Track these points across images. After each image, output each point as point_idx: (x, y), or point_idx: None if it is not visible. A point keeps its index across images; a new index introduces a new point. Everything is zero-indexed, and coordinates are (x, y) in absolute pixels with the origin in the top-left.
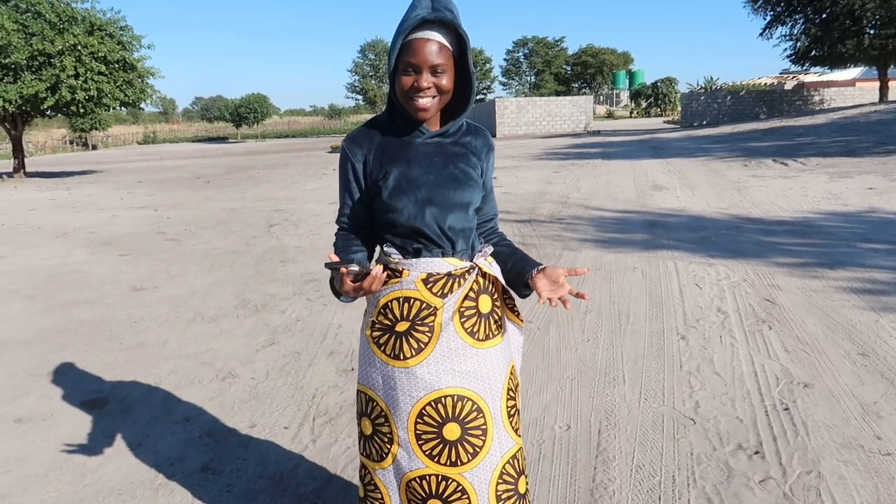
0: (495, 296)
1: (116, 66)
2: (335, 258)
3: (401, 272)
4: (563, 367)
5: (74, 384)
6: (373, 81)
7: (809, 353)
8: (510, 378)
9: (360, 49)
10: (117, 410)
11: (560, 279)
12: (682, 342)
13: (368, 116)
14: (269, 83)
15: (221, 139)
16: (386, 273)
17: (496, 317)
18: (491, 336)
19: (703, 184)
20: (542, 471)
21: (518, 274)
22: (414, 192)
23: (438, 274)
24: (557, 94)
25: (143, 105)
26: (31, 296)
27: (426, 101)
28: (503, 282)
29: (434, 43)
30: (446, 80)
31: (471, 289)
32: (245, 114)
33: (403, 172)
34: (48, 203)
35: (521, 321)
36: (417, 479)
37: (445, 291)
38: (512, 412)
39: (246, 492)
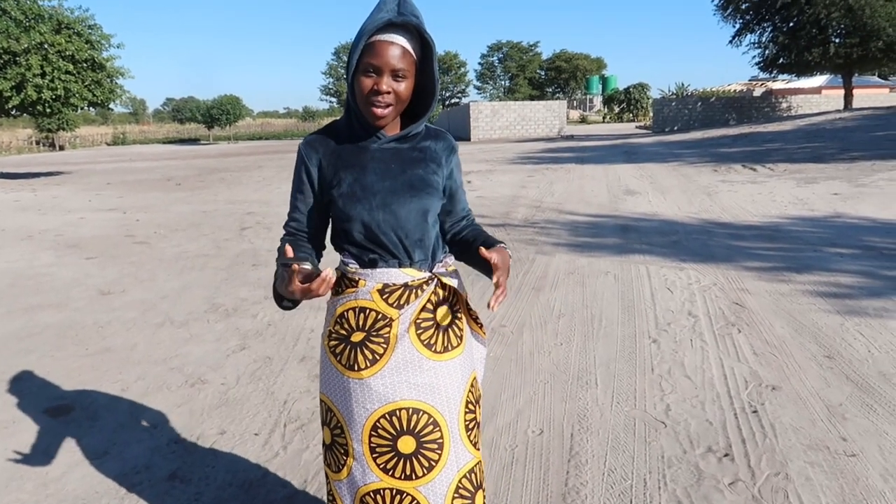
0: (457, 307)
1: (84, 65)
2: (291, 252)
3: (357, 281)
4: (536, 372)
5: (38, 391)
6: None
7: (777, 356)
8: (470, 390)
9: (334, 51)
10: (82, 417)
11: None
12: (653, 346)
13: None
14: (243, 84)
15: (193, 141)
16: (335, 278)
17: (456, 329)
18: (450, 348)
19: (675, 188)
20: (515, 475)
21: (478, 244)
22: (368, 199)
23: (395, 285)
24: (532, 98)
25: (112, 106)
26: None
27: (383, 111)
28: (464, 294)
29: (397, 46)
30: (406, 87)
31: (428, 300)
32: (217, 115)
33: (358, 179)
34: (13, 205)
35: (484, 333)
36: (371, 494)
37: (402, 302)
38: (470, 426)
39: (214, 500)
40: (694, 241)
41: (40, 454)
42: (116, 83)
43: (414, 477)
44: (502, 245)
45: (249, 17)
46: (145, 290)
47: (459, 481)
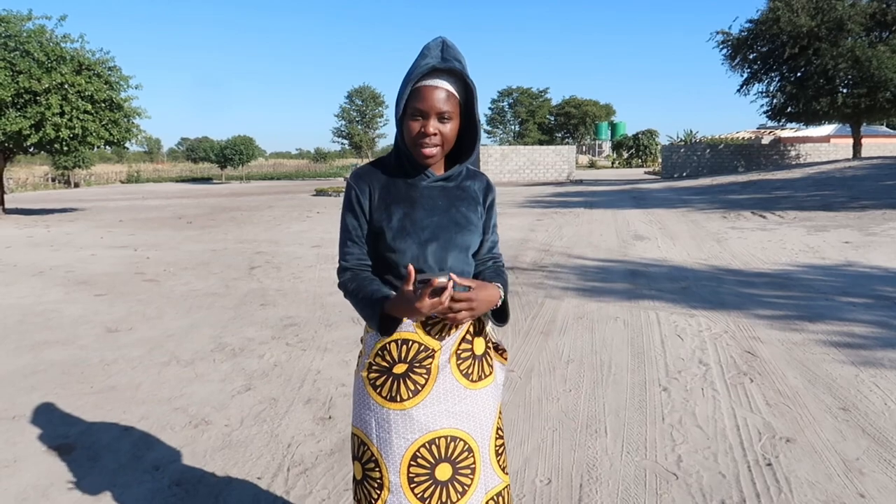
0: (487, 338)
1: (103, 105)
2: (414, 272)
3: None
4: (544, 418)
5: (41, 429)
6: (359, 126)
7: (791, 407)
8: (500, 416)
9: (347, 94)
10: (84, 457)
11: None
12: (664, 394)
13: (353, 161)
14: (256, 125)
15: (206, 180)
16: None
17: (489, 358)
18: (483, 377)
19: (684, 234)
20: None
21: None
22: (417, 233)
23: (437, 317)
24: (541, 143)
25: (128, 144)
26: (0, 336)
27: (432, 150)
28: (490, 321)
29: (442, 90)
30: (451, 128)
31: (467, 331)
32: (230, 155)
33: (407, 213)
34: (25, 241)
35: (505, 359)
36: None
37: (444, 334)
38: (500, 450)
39: None
40: (704, 287)
41: (39, 496)
42: (133, 122)
43: (448, 503)
44: (498, 285)
45: (264, 59)
46: (152, 328)
47: (486, 503)
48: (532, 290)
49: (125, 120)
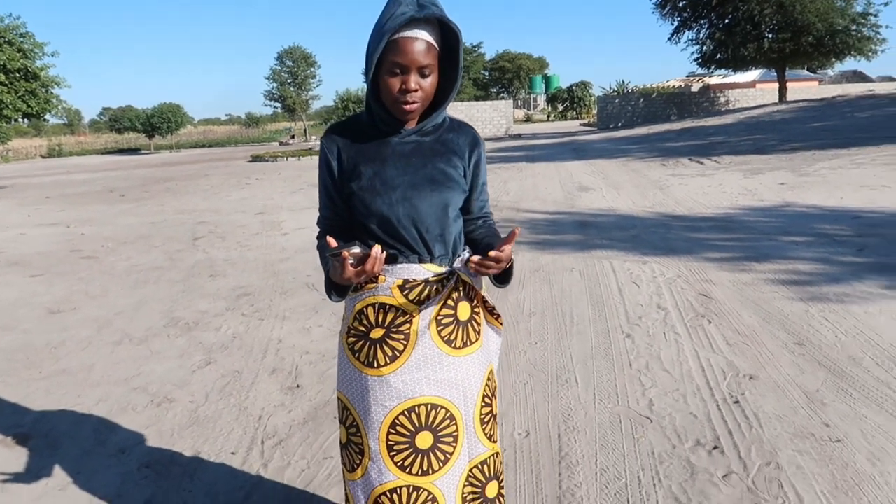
0: (475, 302)
1: (17, 75)
2: (334, 243)
3: (376, 277)
4: (514, 372)
5: None
6: (291, 88)
7: (750, 345)
8: (487, 384)
9: (276, 56)
10: (42, 446)
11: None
12: (627, 340)
13: (287, 124)
14: (182, 91)
15: (134, 150)
16: (385, 254)
17: (475, 324)
18: (469, 343)
19: (627, 184)
20: (508, 481)
21: (482, 247)
22: (388, 193)
23: (415, 280)
24: (476, 98)
25: (47, 117)
26: None
27: (413, 106)
28: (481, 288)
29: (422, 42)
30: (431, 81)
31: (449, 296)
32: (158, 124)
33: (377, 172)
34: None
35: (501, 324)
36: (388, 493)
37: (422, 298)
38: (486, 419)
39: None
40: (653, 234)
41: None
42: (52, 93)
43: (430, 471)
44: (512, 234)
45: (187, 23)
46: (98, 306)
47: (470, 471)
48: None
49: (43, 90)
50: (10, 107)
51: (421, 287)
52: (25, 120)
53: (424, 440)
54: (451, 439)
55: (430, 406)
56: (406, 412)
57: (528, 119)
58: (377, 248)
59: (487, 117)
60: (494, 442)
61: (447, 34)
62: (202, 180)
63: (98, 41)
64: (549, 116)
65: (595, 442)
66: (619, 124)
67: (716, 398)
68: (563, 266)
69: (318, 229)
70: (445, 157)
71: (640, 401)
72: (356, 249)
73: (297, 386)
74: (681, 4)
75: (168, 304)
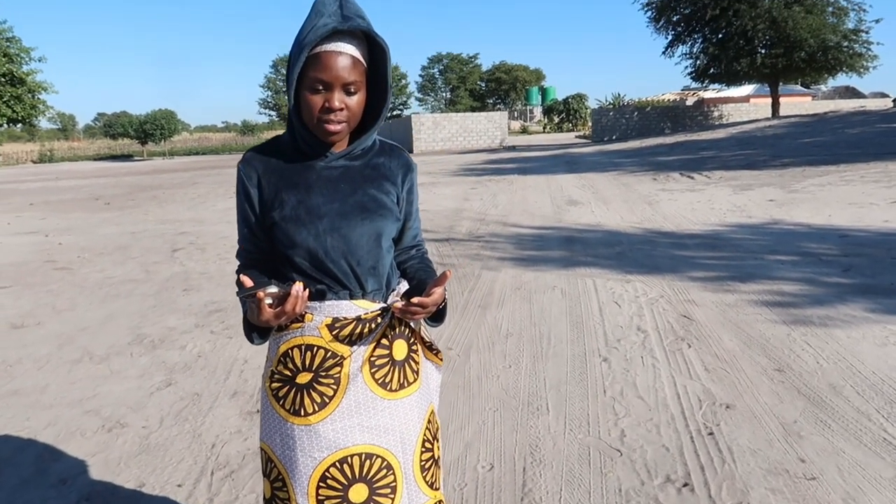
0: (412, 340)
1: (2, 80)
2: (249, 282)
3: (303, 316)
4: (484, 398)
5: None
6: (286, 96)
7: (729, 372)
8: (427, 427)
9: (272, 64)
10: None
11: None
12: (604, 364)
13: (282, 132)
14: (178, 98)
15: (126, 157)
16: (308, 292)
17: (413, 363)
18: (406, 385)
19: (617, 198)
20: None
21: (416, 283)
22: (314, 223)
23: (346, 319)
24: (473, 109)
25: (35, 122)
26: None
27: (337, 126)
28: (419, 327)
29: (346, 56)
30: (358, 100)
31: (383, 335)
32: (151, 130)
33: (302, 201)
34: None
35: (440, 360)
36: None
37: (354, 338)
38: (427, 465)
39: None
40: (638, 251)
41: None
42: (39, 98)
43: None
44: (442, 277)
45: (185, 30)
46: (63, 321)
47: None
48: (469, 262)
49: (29, 96)
50: None
51: (352, 325)
52: (11, 125)
53: (359, 493)
54: (388, 490)
55: (364, 455)
56: (337, 463)
57: (524, 130)
58: (298, 286)
59: (482, 128)
60: (437, 489)
61: (374, 49)
62: (190, 189)
63: (97, 45)
64: (545, 128)
65: (561, 477)
66: (614, 137)
67: (690, 429)
68: (545, 284)
69: (239, 266)
70: (377, 182)
71: (611, 431)
72: (273, 289)
73: (258, 411)
74: (675, 19)
75: (136, 320)
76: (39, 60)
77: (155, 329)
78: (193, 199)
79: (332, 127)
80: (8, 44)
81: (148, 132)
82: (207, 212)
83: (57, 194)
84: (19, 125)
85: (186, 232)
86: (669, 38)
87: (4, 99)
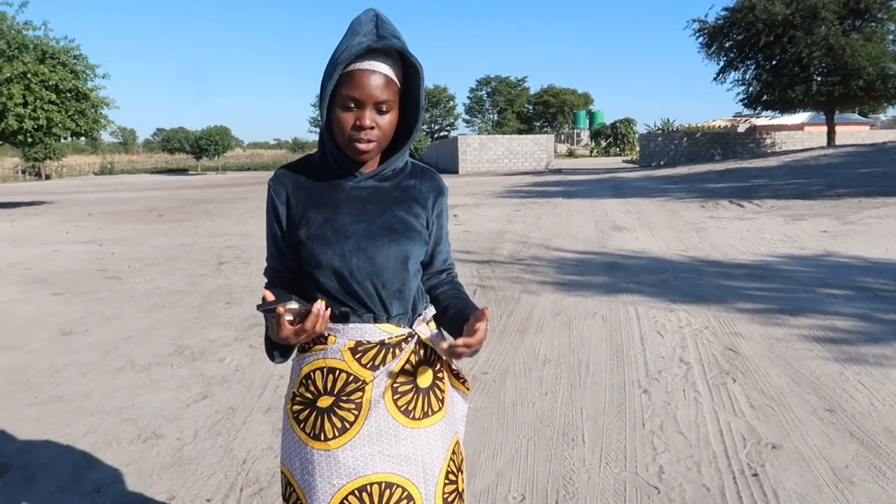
0: (438, 367)
1: (68, 95)
2: (271, 296)
3: (326, 338)
4: (519, 426)
5: None
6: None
7: (776, 410)
8: (452, 458)
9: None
10: (18, 479)
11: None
12: (644, 396)
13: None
14: (233, 115)
15: (181, 171)
16: (330, 311)
17: (438, 391)
18: (430, 413)
19: (663, 224)
20: None
21: (453, 312)
22: (340, 243)
23: (369, 343)
24: (519, 132)
25: (97, 135)
26: None
27: (368, 146)
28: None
29: (380, 75)
30: (390, 119)
31: (408, 361)
32: (206, 146)
33: (328, 219)
34: None
35: (467, 389)
36: None
37: (377, 363)
38: (451, 498)
39: None
40: (683, 280)
41: None
42: (101, 113)
43: None
44: (482, 314)
45: (242, 48)
46: (110, 329)
47: None
48: (509, 285)
49: (92, 110)
50: (60, 125)
51: (376, 350)
52: (74, 138)
53: None
54: None
55: (384, 485)
56: (356, 492)
57: (570, 154)
58: (320, 304)
59: (528, 151)
60: None
61: (409, 71)
62: (240, 203)
63: (156, 61)
64: (591, 152)
65: None
66: (662, 163)
67: (732, 469)
68: (585, 310)
69: (266, 279)
70: (406, 204)
71: (649, 467)
72: (293, 305)
73: None
74: (727, 45)
75: (179, 331)
76: (103, 77)
77: (196, 341)
78: (242, 213)
79: (362, 146)
80: (74, 61)
81: (203, 147)
82: (255, 226)
83: (114, 205)
84: (82, 138)
85: (233, 245)
86: (721, 63)
87: (69, 113)
